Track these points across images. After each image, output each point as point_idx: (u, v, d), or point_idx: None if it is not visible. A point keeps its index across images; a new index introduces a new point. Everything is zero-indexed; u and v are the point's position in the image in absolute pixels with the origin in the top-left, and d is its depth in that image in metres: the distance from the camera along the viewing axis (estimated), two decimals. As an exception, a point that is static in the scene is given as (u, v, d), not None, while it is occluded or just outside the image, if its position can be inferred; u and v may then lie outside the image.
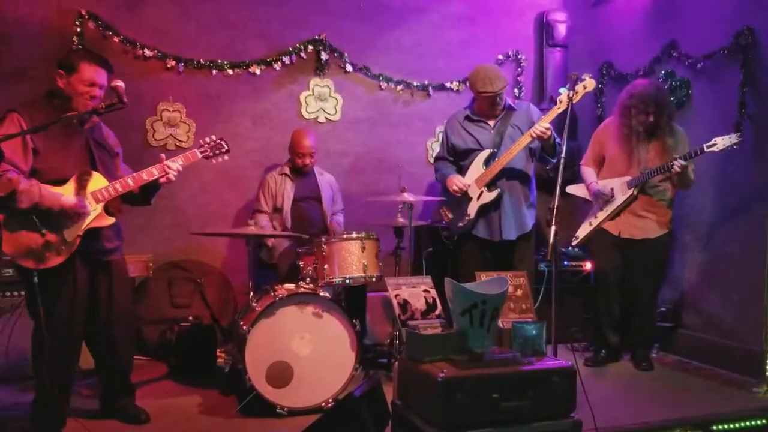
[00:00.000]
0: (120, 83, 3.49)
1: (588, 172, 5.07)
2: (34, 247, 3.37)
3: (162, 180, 3.67)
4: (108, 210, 3.58)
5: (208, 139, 3.94)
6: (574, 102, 4.04)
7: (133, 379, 3.96)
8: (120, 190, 3.54)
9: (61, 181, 3.46)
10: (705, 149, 4.41)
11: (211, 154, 3.93)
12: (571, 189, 5.21)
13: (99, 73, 3.56)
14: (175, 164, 3.69)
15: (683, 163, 4.46)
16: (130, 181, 3.57)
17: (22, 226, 3.36)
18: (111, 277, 3.71)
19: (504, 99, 4.79)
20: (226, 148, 3.98)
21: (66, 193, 3.43)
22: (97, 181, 3.53)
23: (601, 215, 4.89)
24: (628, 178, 4.75)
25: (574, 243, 5.11)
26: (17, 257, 3.37)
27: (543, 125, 4.46)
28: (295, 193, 5.18)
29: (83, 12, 5.14)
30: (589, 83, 4.28)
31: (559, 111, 4.34)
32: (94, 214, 3.50)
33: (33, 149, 3.43)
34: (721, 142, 4.37)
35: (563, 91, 4.23)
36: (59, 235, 3.41)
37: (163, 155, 3.72)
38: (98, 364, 3.89)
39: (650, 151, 4.70)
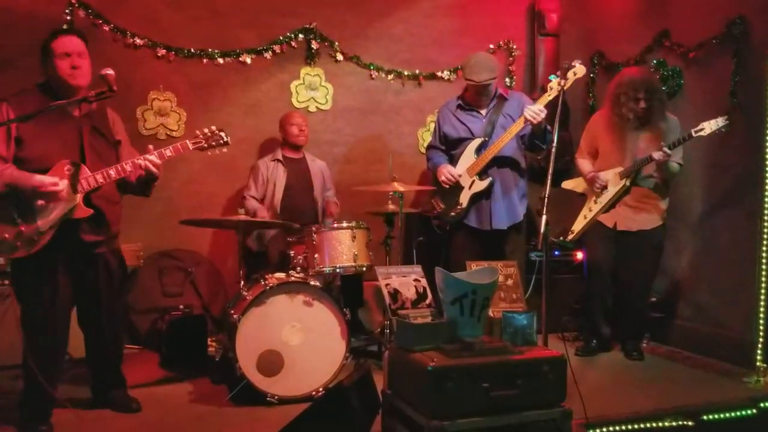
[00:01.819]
0: (110, 71, 3.44)
1: (583, 164, 5.06)
2: (8, 237, 3.30)
3: (147, 171, 3.54)
4: (90, 202, 3.48)
5: (206, 130, 3.72)
6: (565, 89, 4.02)
7: (125, 368, 3.95)
8: (100, 181, 3.44)
9: (44, 171, 3.38)
10: (693, 134, 4.40)
11: (206, 145, 3.70)
12: (566, 184, 5.20)
13: (69, 41, 3.49)
14: (151, 157, 3.51)
15: (667, 152, 4.44)
16: (112, 173, 3.46)
17: None
18: (97, 271, 3.64)
19: (492, 90, 4.75)
20: (225, 140, 3.73)
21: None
22: (79, 172, 3.42)
23: (595, 208, 4.85)
24: (620, 168, 4.74)
25: (569, 237, 5.07)
26: None
27: (536, 107, 4.35)
28: (286, 180, 5.17)
29: (73, 0, 5.10)
30: (579, 70, 4.21)
31: (550, 98, 4.31)
32: (71, 205, 3.40)
33: (16, 138, 3.38)
34: (709, 127, 4.36)
35: (554, 78, 4.22)
36: (33, 224, 3.33)
37: (150, 146, 3.61)
38: (88, 355, 3.87)
39: (642, 140, 4.69)
